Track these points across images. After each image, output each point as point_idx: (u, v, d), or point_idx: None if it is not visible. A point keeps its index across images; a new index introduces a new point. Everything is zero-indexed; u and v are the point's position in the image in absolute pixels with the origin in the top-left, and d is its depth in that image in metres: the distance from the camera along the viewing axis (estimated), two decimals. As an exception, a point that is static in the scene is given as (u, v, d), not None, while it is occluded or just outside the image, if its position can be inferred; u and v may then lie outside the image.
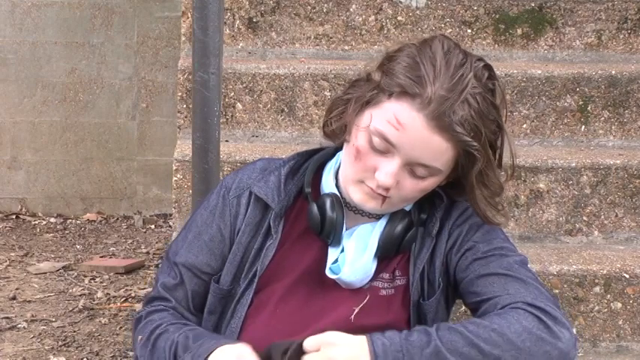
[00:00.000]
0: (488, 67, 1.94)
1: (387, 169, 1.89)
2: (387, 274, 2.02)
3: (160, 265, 2.15)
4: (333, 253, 2.01)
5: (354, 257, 1.99)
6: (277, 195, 2.03)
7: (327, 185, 2.03)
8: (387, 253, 2.01)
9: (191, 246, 2.07)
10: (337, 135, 2.02)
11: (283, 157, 2.11)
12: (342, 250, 2.00)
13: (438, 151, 1.88)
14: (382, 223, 2.01)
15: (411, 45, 1.93)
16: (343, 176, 1.99)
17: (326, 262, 2.01)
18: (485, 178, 1.95)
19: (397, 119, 1.87)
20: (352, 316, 1.98)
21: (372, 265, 2.00)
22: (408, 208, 2.02)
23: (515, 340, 1.82)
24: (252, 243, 2.04)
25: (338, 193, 2.00)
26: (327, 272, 1.99)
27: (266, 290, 2.02)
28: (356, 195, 1.95)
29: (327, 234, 1.99)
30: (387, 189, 1.91)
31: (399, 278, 2.03)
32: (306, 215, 2.01)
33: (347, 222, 2.01)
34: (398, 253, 2.02)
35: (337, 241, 2.00)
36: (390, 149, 1.89)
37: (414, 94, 1.86)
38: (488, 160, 1.92)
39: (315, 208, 1.99)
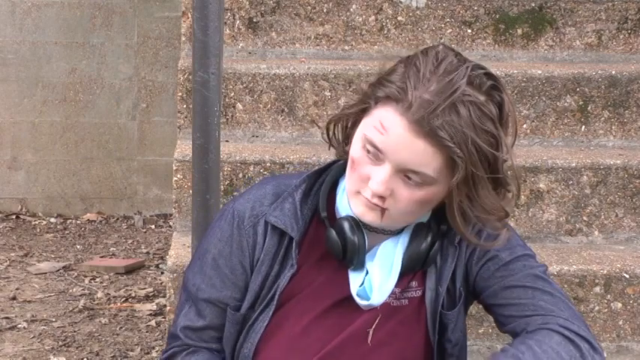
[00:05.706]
0: (491, 77, 1.87)
1: (379, 177, 1.86)
2: (399, 289, 1.99)
3: (179, 299, 2.10)
4: (357, 276, 1.96)
5: (381, 281, 1.95)
6: (296, 223, 1.99)
7: (343, 207, 1.98)
8: (412, 270, 1.98)
9: (212, 280, 2.02)
10: (339, 144, 2.00)
11: (293, 180, 2.04)
12: (367, 273, 1.96)
13: (423, 156, 1.83)
14: (405, 239, 1.97)
15: (409, 55, 1.90)
16: (346, 190, 1.95)
17: (343, 284, 1.96)
18: (474, 191, 1.86)
19: (382, 124, 1.84)
20: (369, 340, 1.96)
21: (395, 283, 1.97)
22: (425, 220, 1.98)
23: None
24: (270, 270, 2.00)
25: (354, 214, 1.95)
26: (356, 299, 1.95)
27: (280, 314, 1.99)
28: (355, 207, 1.91)
29: (351, 259, 1.94)
30: (381, 198, 1.87)
31: (415, 290, 2.00)
32: (323, 240, 1.96)
33: (368, 242, 1.96)
34: (422, 268, 1.99)
35: (361, 264, 1.95)
36: (379, 156, 1.86)
37: (397, 98, 1.83)
38: (475, 174, 1.84)
39: (334, 234, 1.94)
